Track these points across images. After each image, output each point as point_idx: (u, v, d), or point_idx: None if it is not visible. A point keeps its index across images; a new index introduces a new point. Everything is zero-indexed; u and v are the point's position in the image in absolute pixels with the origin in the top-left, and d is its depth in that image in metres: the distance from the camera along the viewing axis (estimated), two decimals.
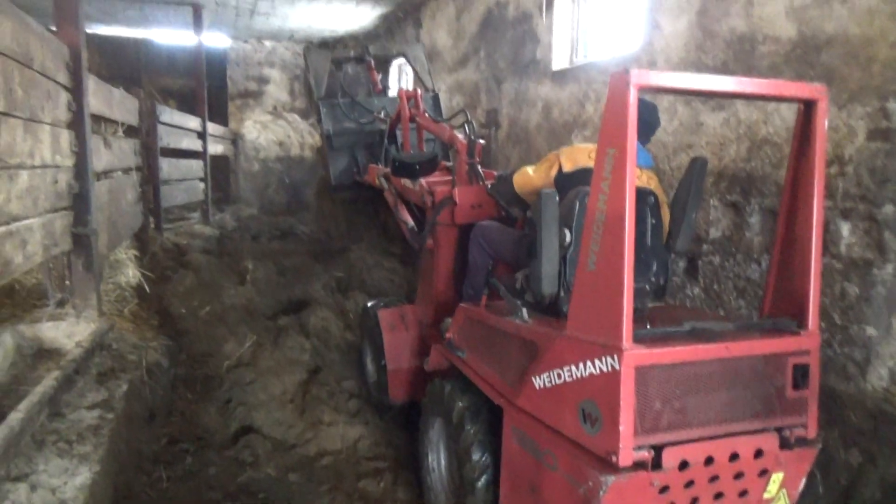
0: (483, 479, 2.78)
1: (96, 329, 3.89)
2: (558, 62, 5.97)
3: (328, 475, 3.67)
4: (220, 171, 12.15)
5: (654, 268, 2.76)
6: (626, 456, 2.01)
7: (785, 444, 2.26)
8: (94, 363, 3.67)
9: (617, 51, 5.26)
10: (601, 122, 2.12)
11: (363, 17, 10.64)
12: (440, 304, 3.94)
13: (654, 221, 2.72)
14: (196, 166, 9.60)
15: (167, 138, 7.78)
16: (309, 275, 6.68)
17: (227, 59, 12.99)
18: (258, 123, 13.23)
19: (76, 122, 3.98)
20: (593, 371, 2.11)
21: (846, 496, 3.07)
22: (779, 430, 2.26)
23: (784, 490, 2.33)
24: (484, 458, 2.79)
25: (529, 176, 3.20)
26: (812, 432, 2.31)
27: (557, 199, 2.59)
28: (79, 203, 4.01)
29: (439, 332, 3.61)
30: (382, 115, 6.15)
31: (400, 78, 10.92)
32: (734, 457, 2.18)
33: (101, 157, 4.76)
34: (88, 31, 9.16)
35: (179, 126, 8.60)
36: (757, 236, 3.68)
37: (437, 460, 3.35)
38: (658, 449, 2.07)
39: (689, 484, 2.15)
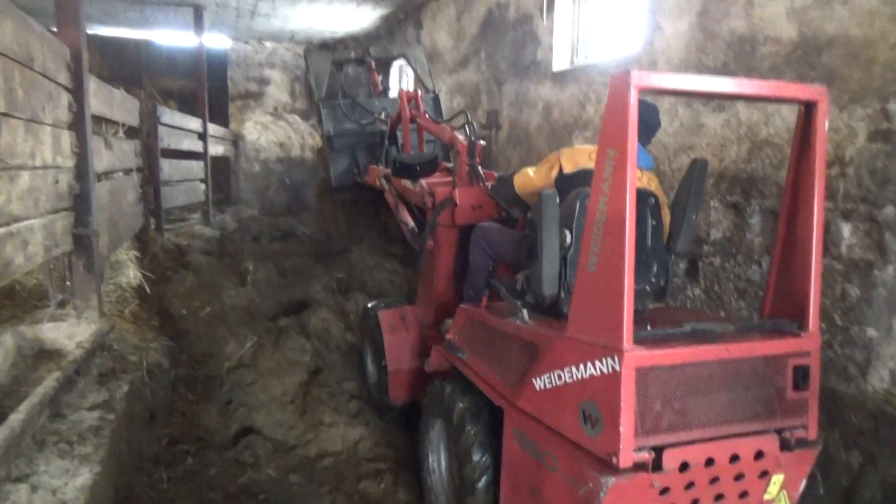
0: (483, 480, 2.78)
1: (97, 330, 3.90)
2: (559, 63, 5.97)
3: (329, 476, 3.67)
4: (220, 172, 12.17)
5: (655, 269, 2.76)
6: (626, 457, 2.01)
7: (785, 446, 2.25)
8: (95, 364, 3.67)
9: (617, 52, 5.27)
10: (602, 124, 2.12)
11: (364, 19, 10.65)
12: (441, 305, 3.94)
13: (654, 223, 2.72)
14: (197, 167, 9.61)
15: (168, 139, 7.79)
16: (309, 276, 6.69)
17: (228, 60, 13.00)
18: (259, 124, 13.24)
19: (77, 123, 3.99)
20: (594, 372, 2.11)
21: (847, 497, 3.07)
22: (779, 431, 2.26)
23: (784, 491, 2.33)
24: (484, 459, 2.79)
25: (530, 177, 3.20)
26: (812, 433, 2.30)
27: (558, 200, 2.59)
28: (80, 204, 4.01)
29: (440, 333, 3.61)
30: (383, 116, 6.15)
31: (401, 79, 10.93)
32: (735, 458, 2.18)
33: (101, 158, 4.77)
34: (89, 31, 9.19)
35: (180, 127, 8.61)
36: (757, 237, 3.68)
37: (437, 461, 3.35)
38: (658, 450, 2.07)
39: (690, 485, 2.15)
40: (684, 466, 2.11)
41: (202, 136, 9.84)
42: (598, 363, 2.09)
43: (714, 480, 2.19)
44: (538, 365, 2.42)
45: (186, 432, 3.97)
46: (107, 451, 2.87)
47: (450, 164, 5.00)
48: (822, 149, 2.24)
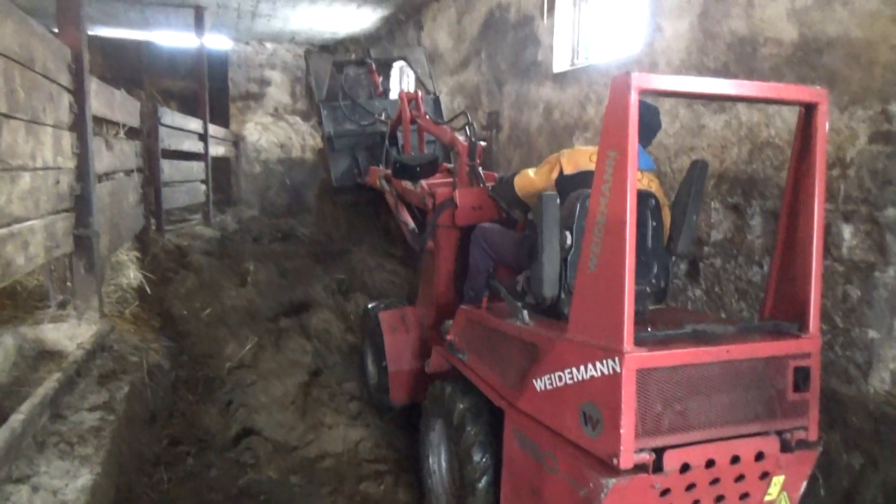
0: (484, 481, 2.78)
1: (97, 331, 3.90)
2: (559, 64, 5.97)
3: (329, 477, 3.67)
4: (221, 172, 12.17)
5: (655, 270, 2.77)
6: (627, 458, 2.01)
7: (786, 447, 2.25)
8: (96, 365, 3.68)
9: (618, 53, 5.27)
10: (602, 125, 2.12)
11: (364, 20, 10.65)
12: (441, 306, 3.94)
13: (654, 224, 2.72)
14: (197, 168, 9.61)
15: (168, 140, 7.79)
16: (310, 276, 6.69)
17: (229, 61, 13.00)
18: (259, 125, 13.25)
19: (78, 124, 3.99)
20: (594, 373, 2.11)
21: (848, 499, 3.06)
22: (780, 432, 2.26)
23: (785, 493, 2.33)
24: (484, 460, 2.79)
25: (530, 178, 3.20)
26: (813, 435, 2.30)
27: (558, 201, 2.59)
28: (80, 205, 4.01)
29: (440, 334, 3.61)
30: (383, 116, 6.15)
31: (401, 81, 10.93)
32: (735, 459, 2.18)
33: (102, 159, 4.77)
34: (90, 32, 9.20)
35: (181, 128, 8.62)
36: (758, 239, 3.68)
37: (437, 462, 3.35)
38: (659, 451, 2.07)
39: (690, 487, 2.15)
40: (685, 468, 2.10)
41: (203, 137, 9.85)
42: (598, 364, 2.09)
43: (715, 482, 2.19)
44: (539, 366, 2.42)
45: (187, 433, 3.97)
46: (107, 452, 2.87)
47: (450, 165, 5.00)
48: (822, 150, 2.24)
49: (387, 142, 5.87)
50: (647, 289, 2.74)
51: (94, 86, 4.38)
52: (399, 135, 5.76)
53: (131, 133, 6.01)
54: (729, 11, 3.83)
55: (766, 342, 2.25)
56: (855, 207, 3.12)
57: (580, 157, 2.98)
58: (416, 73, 6.97)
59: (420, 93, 5.53)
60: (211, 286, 6.21)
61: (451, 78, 8.48)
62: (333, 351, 5.13)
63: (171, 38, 12.43)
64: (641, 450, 2.04)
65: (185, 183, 8.87)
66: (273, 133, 13.32)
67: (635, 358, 2.00)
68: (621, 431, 1.99)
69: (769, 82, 2.79)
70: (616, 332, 2.01)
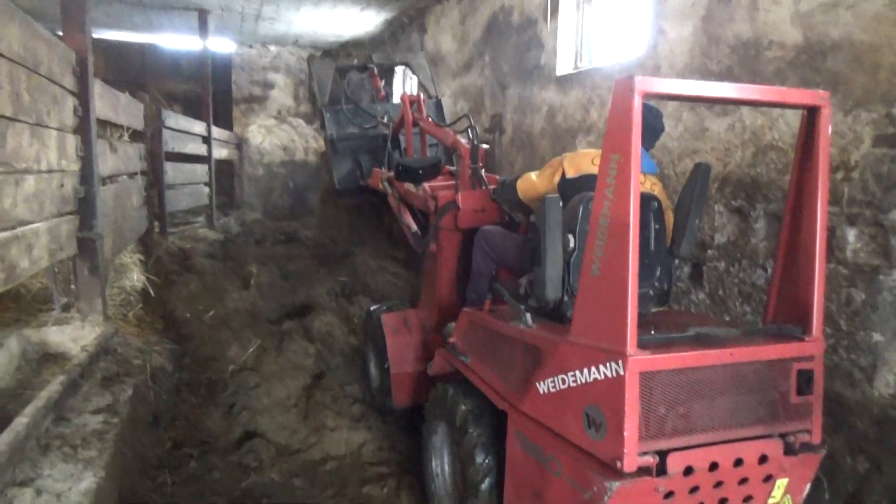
0: (486, 483, 2.77)
1: (101, 333, 3.90)
2: (563, 67, 5.97)
3: (332, 480, 3.67)
4: (224, 175, 12.20)
5: (658, 273, 2.77)
6: (630, 461, 2.01)
7: (789, 450, 2.25)
8: (99, 367, 3.68)
9: (621, 56, 5.27)
10: (605, 129, 2.12)
11: (368, 23, 10.67)
12: (444, 309, 3.94)
13: (657, 227, 2.72)
14: (201, 171, 9.63)
15: (172, 143, 7.81)
16: (313, 279, 6.70)
17: (232, 63, 13.04)
18: (263, 128, 13.28)
19: (82, 127, 4.00)
20: (597, 376, 2.11)
21: (852, 503, 3.05)
22: (783, 435, 2.26)
23: (789, 496, 2.33)
24: (487, 461, 2.79)
25: (533, 182, 3.21)
26: (816, 438, 2.30)
27: (561, 204, 2.60)
28: (84, 207, 4.02)
29: (443, 337, 3.61)
30: (386, 119, 6.17)
31: (404, 85, 10.95)
32: (739, 462, 2.18)
33: (106, 162, 4.78)
34: (94, 35, 9.22)
35: (184, 131, 8.63)
36: (762, 242, 3.67)
37: (440, 465, 3.35)
38: (663, 454, 2.07)
39: (694, 489, 2.15)
40: (688, 470, 2.10)
41: (206, 140, 9.87)
42: (601, 367, 2.09)
43: (718, 484, 2.19)
44: (541, 369, 2.41)
45: (190, 436, 3.97)
46: (111, 455, 2.87)
47: (452, 168, 5.00)
48: (825, 153, 2.24)
49: (389, 144, 5.89)
50: (650, 291, 2.74)
51: (98, 89, 4.39)
52: (401, 138, 5.77)
53: (135, 136, 6.02)
54: (732, 15, 3.83)
55: (770, 345, 2.25)
56: (859, 211, 3.11)
57: (582, 160, 2.98)
58: (418, 77, 6.99)
59: (422, 96, 5.54)
60: (214, 289, 6.22)
61: (454, 81, 8.50)
62: (336, 353, 5.13)
63: (175, 41, 12.47)
64: (645, 453, 2.04)
65: (189, 185, 8.88)
66: (276, 136, 13.34)
67: (638, 361, 2.00)
68: (625, 434, 1.99)
69: (772, 86, 2.79)
70: (619, 335, 2.01)
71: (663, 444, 2.08)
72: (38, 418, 2.80)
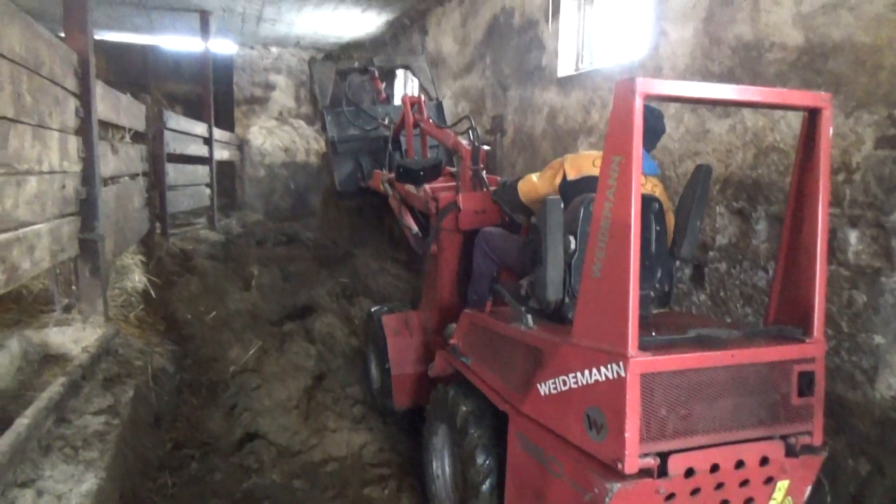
0: (487, 484, 2.77)
1: (102, 334, 3.91)
2: (564, 69, 5.98)
3: (333, 482, 3.67)
4: (225, 176, 12.21)
5: (659, 275, 2.77)
6: (631, 463, 2.01)
7: (790, 452, 2.25)
8: (101, 368, 3.68)
9: (622, 58, 5.27)
10: (607, 130, 2.12)
11: (369, 24, 10.68)
12: (444, 310, 3.94)
13: (658, 228, 2.72)
14: (202, 172, 9.64)
15: (174, 144, 7.82)
16: (314, 280, 6.70)
17: (234, 65, 13.05)
18: (264, 129, 13.30)
19: (84, 128, 4.01)
20: (599, 378, 2.11)
21: None
22: (784, 437, 2.26)
23: (790, 498, 2.32)
24: (488, 462, 2.79)
25: (534, 183, 3.21)
26: (818, 440, 2.30)
27: (562, 205, 2.60)
28: (86, 209, 4.03)
29: (443, 338, 3.61)
30: (386, 121, 6.18)
31: (405, 87, 10.95)
32: (740, 464, 2.18)
33: (108, 163, 4.79)
34: (96, 37, 9.23)
35: (186, 132, 8.65)
36: (763, 243, 3.67)
37: (441, 467, 3.35)
38: (664, 456, 2.07)
39: (695, 491, 2.15)
40: (689, 472, 2.10)
41: (208, 141, 9.88)
42: (603, 369, 2.09)
43: (719, 486, 2.19)
44: (543, 370, 2.41)
45: (191, 437, 3.97)
46: (112, 457, 2.87)
47: (453, 169, 5.01)
48: (826, 155, 2.24)
49: (390, 146, 5.89)
50: (651, 293, 2.74)
51: (99, 90, 4.40)
52: (402, 139, 5.78)
53: (137, 137, 6.03)
54: (734, 16, 3.83)
55: (771, 347, 2.25)
56: (861, 212, 3.11)
57: (583, 162, 2.98)
58: (419, 80, 7.00)
59: (423, 97, 5.54)
60: (215, 290, 6.22)
61: (456, 82, 8.50)
62: (337, 355, 5.13)
63: (177, 42, 12.49)
64: (646, 454, 2.04)
65: (190, 187, 8.89)
66: (277, 137, 13.36)
67: (640, 362, 2.00)
68: (626, 436, 1.99)
69: (773, 87, 2.79)
70: (620, 337, 2.01)
71: (664, 446, 2.08)
72: (40, 419, 2.80)
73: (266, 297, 6.24)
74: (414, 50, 10.04)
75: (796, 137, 3.27)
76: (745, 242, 3.79)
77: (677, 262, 2.84)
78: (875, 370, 3.07)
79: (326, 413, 4.28)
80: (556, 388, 2.33)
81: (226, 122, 12.51)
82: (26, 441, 2.65)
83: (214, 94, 10.47)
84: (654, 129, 2.87)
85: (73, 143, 3.86)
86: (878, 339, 3.05)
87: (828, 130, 2.24)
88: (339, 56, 12.48)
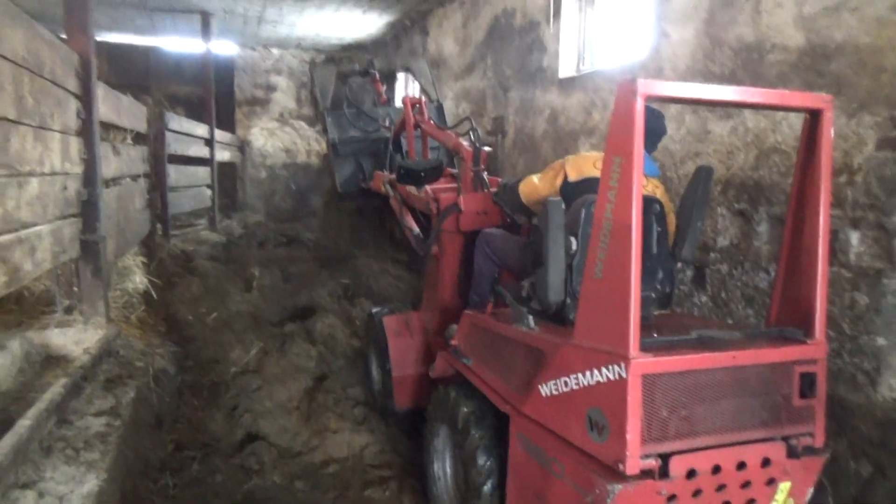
0: (488, 485, 2.77)
1: (104, 336, 3.91)
2: (565, 70, 5.98)
3: (334, 483, 3.67)
4: (227, 177, 12.22)
5: (660, 276, 2.76)
6: (633, 464, 2.01)
7: (792, 453, 2.25)
8: (102, 370, 3.69)
9: (624, 59, 5.27)
10: (608, 131, 2.12)
11: (370, 26, 10.69)
12: (445, 311, 3.94)
13: (659, 230, 2.72)
14: (203, 173, 9.65)
15: (175, 145, 7.83)
16: (315, 282, 6.70)
17: (235, 66, 13.07)
18: (265, 130, 13.31)
19: (85, 130, 4.01)
20: (600, 379, 2.11)
21: None
22: (786, 438, 2.25)
23: (791, 499, 2.32)
24: (489, 463, 2.79)
25: (535, 185, 3.20)
26: (819, 441, 2.30)
27: (563, 207, 2.60)
28: (87, 210, 4.03)
29: (445, 339, 3.61)
30: (387, 122, 6.18)
31: (406, 88, 10.96)
32: (741, 465, 2.18)
33: (109, 164, 4.79)
34: (98, 38, 9.25)
35: (187, 133, 8.65)
36: (765, 245, 3.67)
37: (442, 468, 3.34)
38: (665, 457, 2.07)
39: (697, 493, 2.14)
40: (691, 474, 2.10)
41: (209, 142, 9.89)
42: (604, 370, 2.09)
43: (721, 488, 2.18)
44: (544, 371, 2.41)
45: (192, 438, 3.97)
46: (113, 458, 2.87)
47: (454, 171, 5.01)
48: (827, 156, 2.24)
49: (391, 147, 5.89)
50: (652, 294, 2.74)
51: (101, 91, 4.40)
52: (403, 140, 5.78)
53: (138, 138, 6.03)
54: (735, 18, 3.83)
55: (772, 348, 2.25)
56: (863, 214, 3.11)
57: (584, 163, 2.98)
58: (419, 82, 7.00)
59: (423, 98, 5.55)
60: (216, 291, 6.22)
61: (457, 83, 8.50)
62: (338, 356, 5.13)
63: (178, 43, 12.51)
64: (647, 455, 2.04)
65: (192, 188, 8.90)
66: (279, 138, 13.37)
67: (641, 364, 2.00)
68: (627, 437, 1.99)
69: (775, 89, 2.79)
70: (622, 338, 2.01)
71: (666, 447, 2.08)
72: (41, 421, 2.80)
73: (267, 299, 6.24)
74: (415, 51, 10.05)
75: (797, 139, 3.26)
76: (746, 244, 3.78)
77: (678, 264, 2.84)
78: (877, 372, 3.07)
79: (327, 414, 4.28)
80: (557, 390, 2.33)
81: (227, 123, 12.52)
82: (28, 442, 2.65)
83: (216, 96, 10.48)
84: (654, 130, 2.87)
85: (75, 144, 3.87)
86: (880, 340, 3.05)
87: (829, 132, 2.24)
88: (339, 58, 12.49)
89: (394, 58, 10.93)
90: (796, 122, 3.41)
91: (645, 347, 2.03)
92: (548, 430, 2.38)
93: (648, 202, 2.63)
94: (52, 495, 2.53)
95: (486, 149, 4.05)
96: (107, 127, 4.92)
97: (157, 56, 13.21)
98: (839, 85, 3.19)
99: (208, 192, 9.81)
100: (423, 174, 4.18)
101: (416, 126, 5.28)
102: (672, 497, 2.10)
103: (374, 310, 4.60)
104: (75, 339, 3.83)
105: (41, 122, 3.30)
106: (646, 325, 2.30)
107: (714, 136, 4.00)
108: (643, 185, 2.23)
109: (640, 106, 1.95)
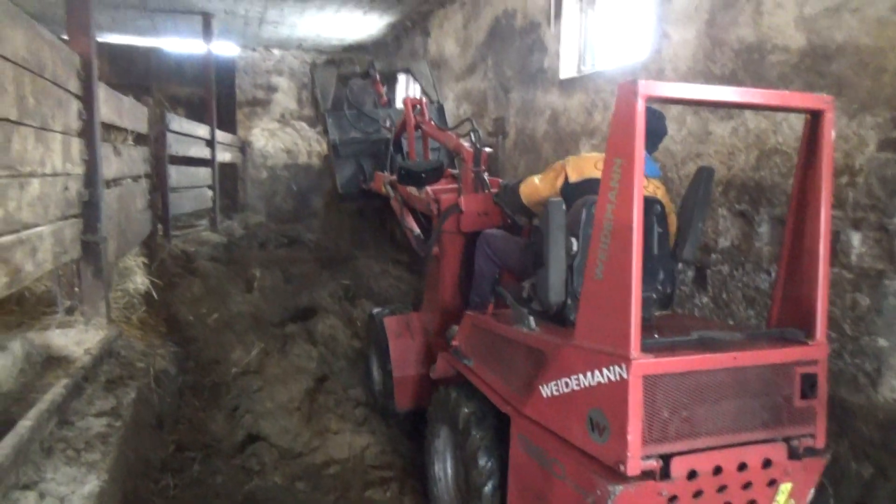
0: (489, 486, 2.77)
1: (105, 336, 3.91)
2: (566, 71, 5.98)
3: (335, 484, 3.67)
4: (228, 178, 12.23)
5: (661, 276, 2.76)
6: (634, 465, 2.00)
7: (793, 454, 2.24)
8: (103, 370, 3.69)
9: (625, 60, 5.27)
10: (609, 132, 2.12)
11: (371, 26, 10.70)
12: (446, 312, 3.94)
13: (660, 230, 2.72)
14: (204, 174, 9.66)
15: (176, 146, 7.83)
16: (316, 282, 6.71)
17: (236, 67, 13.08)
18: (266, 131, 13.32)
19: (86, 131, 4.01)
20: (601, 380, 2.11)
21: None
22: (787, 439, 2.25)
23: (793, 500, 2.32)
24: (490, 464, 2.79)
25: (535, 185, 3.20)
26: (820, 442, 2.29)
27: (564, 208, 2.59)
28: (88, 211, 4.03)
29: (445, 340, 3.61)
30: (388, 123, 6.18)
31: (407, 90, 10.97)
32: (742, 466, 2.17)
33: (110, 165, 4.80)
34: (99, 39, 9.26)
35: (188, 134, 8.66)
36: (766, 246, 3.67)
37: (443, 469, 3.34)
38: (666, 458, 2.06)
39: (698, 494, 2.14)
40: (692, 475, 2.10)
41: (210, 143, 9.90)
42: (605, 371, 2.08)
43: (722, 489, 2.18)
44: (545, 372, 2.41)
45: (193, 439, 3.97)
46: (114, 458, 2.87)
47: (455, 171, 5.01)
48: (828, 157, 2.24)
49: (391, 148, 5.90)
50: (653, 295, 2.74)
51: (102, 92, 4.40)
52: (404, 141, 5.78)
53: (139, 139, 6.04)
54: (736, 19, 3.83)
55: (773, 349, 2.24)
56: (864, 215, 3.10)
57: (585, 164, 2.98)
58: (420, 83, 7.01)
59: (424, 99, 5.55)
60: (217, 292, 6.23)
61: (458, 84, 8.51)
62: (339, 357, 5.13)
63: (179, 44, 12.53)
64: (648, 456, 2.04)
65: (192, 189, 8.91)
66: (280, 139, 13.38)
67: (642, 364, 2.00)
68: (628, 438, 1.99)
69: (776, 90, 2.78)
70: (623, 339, 2.01)
71: (667, 448, 2.07)
72: (42, 421, 2.80)
73: (268, 299, 6.25)
74: (416, 52, 10.06)
75: (798, 140, 3.27)
76: (747, 245, 3.78)
77: (679, 265, 2.84)
78: (878, 373, 3.06)
79: (328, 415, 4.28)
80: (558, 390, 2.33)
81: (228, 124, 12.53)
82: (29, 443, 2.65)
83: (217, 97, 10.49)
84: (655, 131, 2.87)
85: (76, 145, 3.87)
86: (882, 341, 3.04)
87: (830, 133, 2.23)
88: (340, 59, 12.50)
89: (394, 59, 10.94)
90: (797, 123, 3.41)
91: (646, 348, 2.03)
92: (549, 431, 2.38)
93: (649, 203, 2.63)
94: (53, 496, 2.53)
95: (487, 150, 4.05)
96: (108, 128, 4.92)
97: (159, 57, 13.22)
98: (840, 86, 3.19)
99: (209, 192, 9.82)
100: (423, 175, 4.18)
101: (417, 127, 5.28)
102: (673, 498, 2.09)
103: (375, 310, 4.60)
104: (76, 339, 3.83)
105: (42, 123, 3.30)
106: (647, 326, 2.30)
107: (715, 137, 4.00)
108: (644, 185, 2.23)
109: (640, 107, 1.95)
